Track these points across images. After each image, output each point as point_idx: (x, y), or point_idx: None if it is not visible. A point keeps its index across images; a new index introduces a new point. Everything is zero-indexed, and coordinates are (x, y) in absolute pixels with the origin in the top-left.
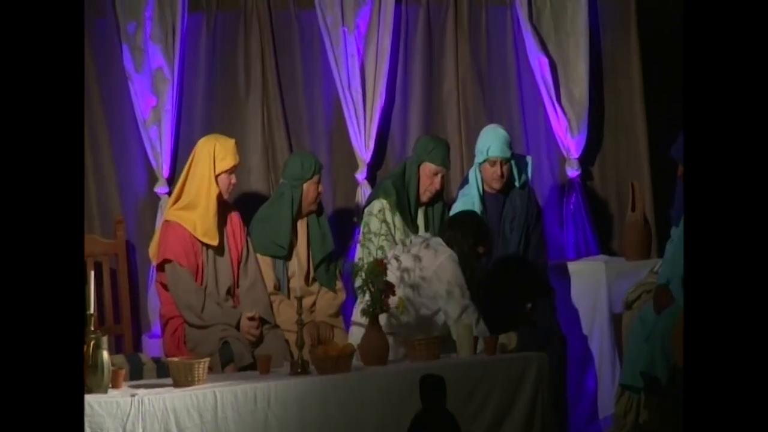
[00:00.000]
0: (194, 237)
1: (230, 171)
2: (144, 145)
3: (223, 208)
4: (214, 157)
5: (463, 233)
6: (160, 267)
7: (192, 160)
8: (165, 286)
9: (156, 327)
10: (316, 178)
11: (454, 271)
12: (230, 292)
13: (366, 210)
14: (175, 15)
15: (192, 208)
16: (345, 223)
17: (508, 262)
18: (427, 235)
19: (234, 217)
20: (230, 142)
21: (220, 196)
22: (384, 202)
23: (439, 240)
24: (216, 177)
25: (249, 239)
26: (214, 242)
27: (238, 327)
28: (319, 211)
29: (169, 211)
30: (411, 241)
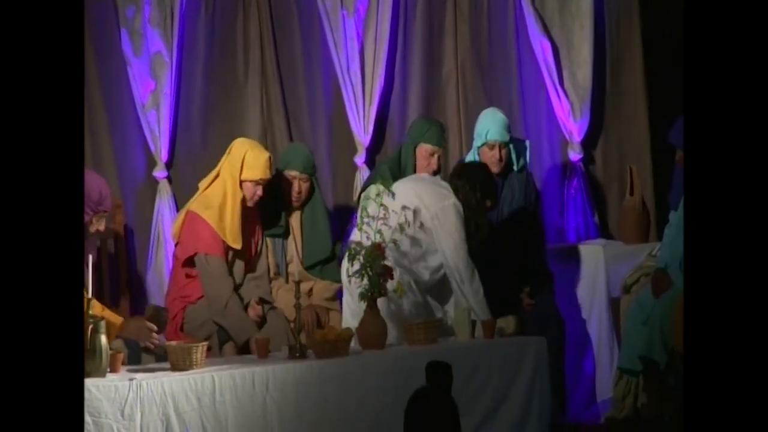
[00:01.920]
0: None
1: (257, 182)
2: (143, 130)
3: (246, 209)
4: (243, 162)
5: (471, 184)
6: (189, 259)
7: (225, 159)
8: (187, 274)
9: None
10: (295, 173)
11: (457, 222)
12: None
13: (363, 195)
14: None
15: (222, 214)
16: (342, 207)
17: (506, 242)
18: (437, 177)
19: (254, 216)
20: (264, 155)
21: (243, 201)
22: (381, 186)
23: (446, 185)
24: (241, 182)
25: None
26: (239, 246)
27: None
28: (314, 211)
29: (199, 206)
30: (408, 224)
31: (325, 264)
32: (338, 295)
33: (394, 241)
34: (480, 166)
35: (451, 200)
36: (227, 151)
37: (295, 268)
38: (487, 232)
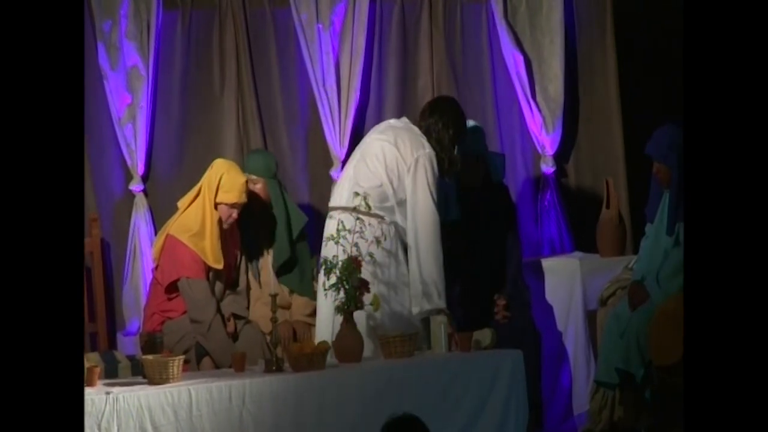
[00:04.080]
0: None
1: (231, 205)
2: (119, 143)
3: (223, 227)
4: (219, 185)
5: (443, 122)
6: (172, 283)
7: (206, 176)
8: (167, 289)
9: (131, 325)
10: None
11: (429, 176)
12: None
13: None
14: (150, 12)
15: (202, 237)
16: (320, 221)
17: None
18: (404, 121)
19: (233, 232)
20: (240, 179)
21: (221, 221)
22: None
23: (419, 132)
24: (215, 204)
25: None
26: (221, 266)
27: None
28: (270, 220)
29: (178, 229)
30: (385, 237)
31: (291, 269)
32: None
33: (371, 255)
34: (449, 100)
35: (425, 150)
36: (208, 169)
37: (270, 280)
38: (459, 167)
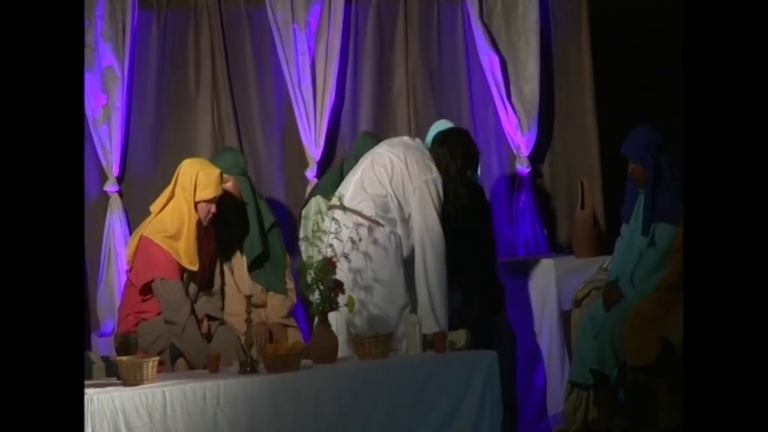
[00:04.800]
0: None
1: (210, 201)
2: (94, 144)
3: (201, 228)
4: (195, 184)
5: (452, 152)
6: (146, 284)
7: (176, 182)
8: (142, 290)
9: (105, 326)
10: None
11: (434, 199)
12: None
13: (303, 211)
14: (125, 13)
15: (177, 238)
16: (295, 221)
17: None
18: (417, 142)
19: (207, 233)
20: (215, 172)
21: (199, 222)
22: (320, 200)
23: (429, 155)
24: (196, 204)
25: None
26: (196, 267)
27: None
28: (242, 214)
29: (152, 231)
30: (360, 238)
31: (262, 264)
32: (293, 312)
33: (346, 255)
34: (461, 133)
35: (432, 175)
36: (175, 173)
37: (245, 279)
38: (465, 201)
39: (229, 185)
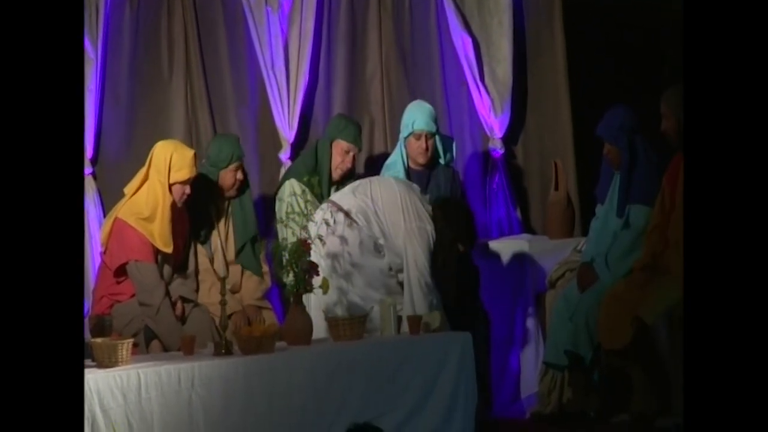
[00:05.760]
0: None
1: (185, 182)
2: None
3: (174, 210)
4: (170, 166)
5: (447, 222)
6: (120, 266)
7: (150, 164)
8: (116, 272)
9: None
10: (233, 166)
11: (427, 246)
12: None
13: (278, 193)
14: None
15: (152, 220)
16: (269, 203)
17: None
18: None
19: (182, 216)
20: (189, 153)
21: (174, 204)
22: (295, 182)
23: (429, 208)
24: (170, 186)
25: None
26: (170, 250)
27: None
28: (242, 194)
29: (126, 212)
30: (335, 220)
31: (252, 245)
32: (267, 295)
33: (320, 237)
34: (462, 206)
35: (429, 226)
36: (149, 155)
37: (219, 263)
38: (454, 272)
39: (240, 177)
